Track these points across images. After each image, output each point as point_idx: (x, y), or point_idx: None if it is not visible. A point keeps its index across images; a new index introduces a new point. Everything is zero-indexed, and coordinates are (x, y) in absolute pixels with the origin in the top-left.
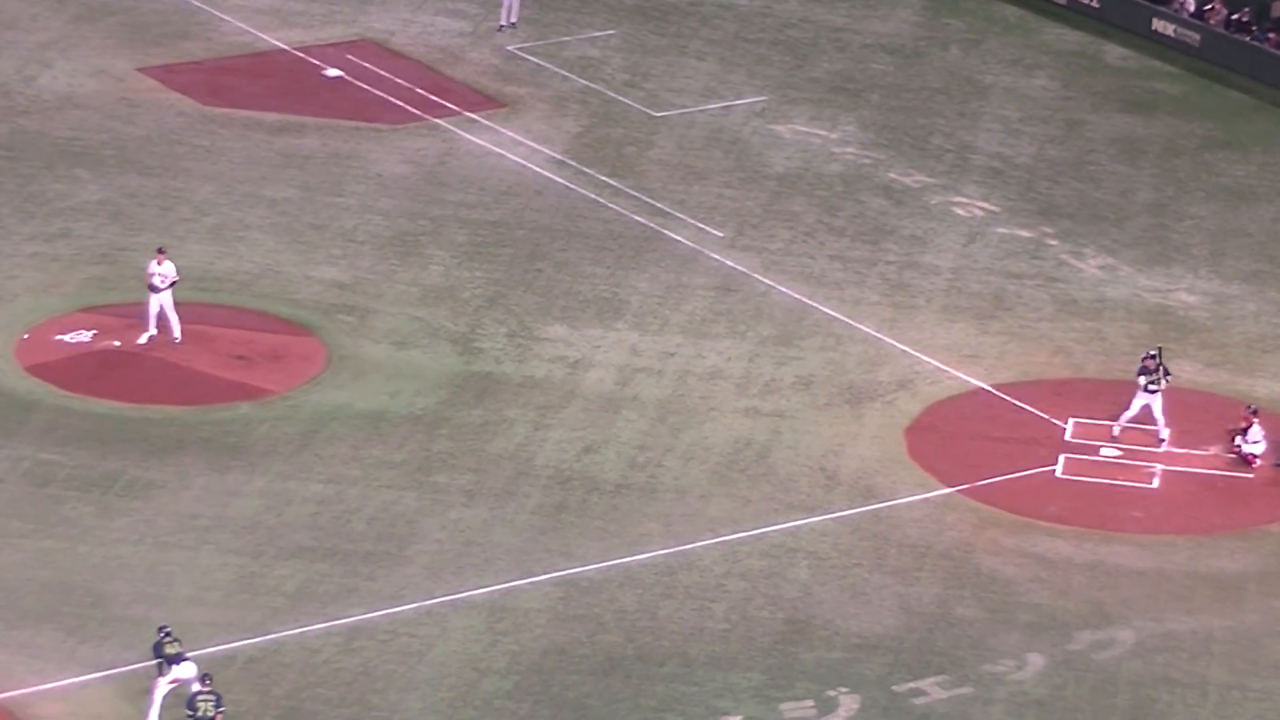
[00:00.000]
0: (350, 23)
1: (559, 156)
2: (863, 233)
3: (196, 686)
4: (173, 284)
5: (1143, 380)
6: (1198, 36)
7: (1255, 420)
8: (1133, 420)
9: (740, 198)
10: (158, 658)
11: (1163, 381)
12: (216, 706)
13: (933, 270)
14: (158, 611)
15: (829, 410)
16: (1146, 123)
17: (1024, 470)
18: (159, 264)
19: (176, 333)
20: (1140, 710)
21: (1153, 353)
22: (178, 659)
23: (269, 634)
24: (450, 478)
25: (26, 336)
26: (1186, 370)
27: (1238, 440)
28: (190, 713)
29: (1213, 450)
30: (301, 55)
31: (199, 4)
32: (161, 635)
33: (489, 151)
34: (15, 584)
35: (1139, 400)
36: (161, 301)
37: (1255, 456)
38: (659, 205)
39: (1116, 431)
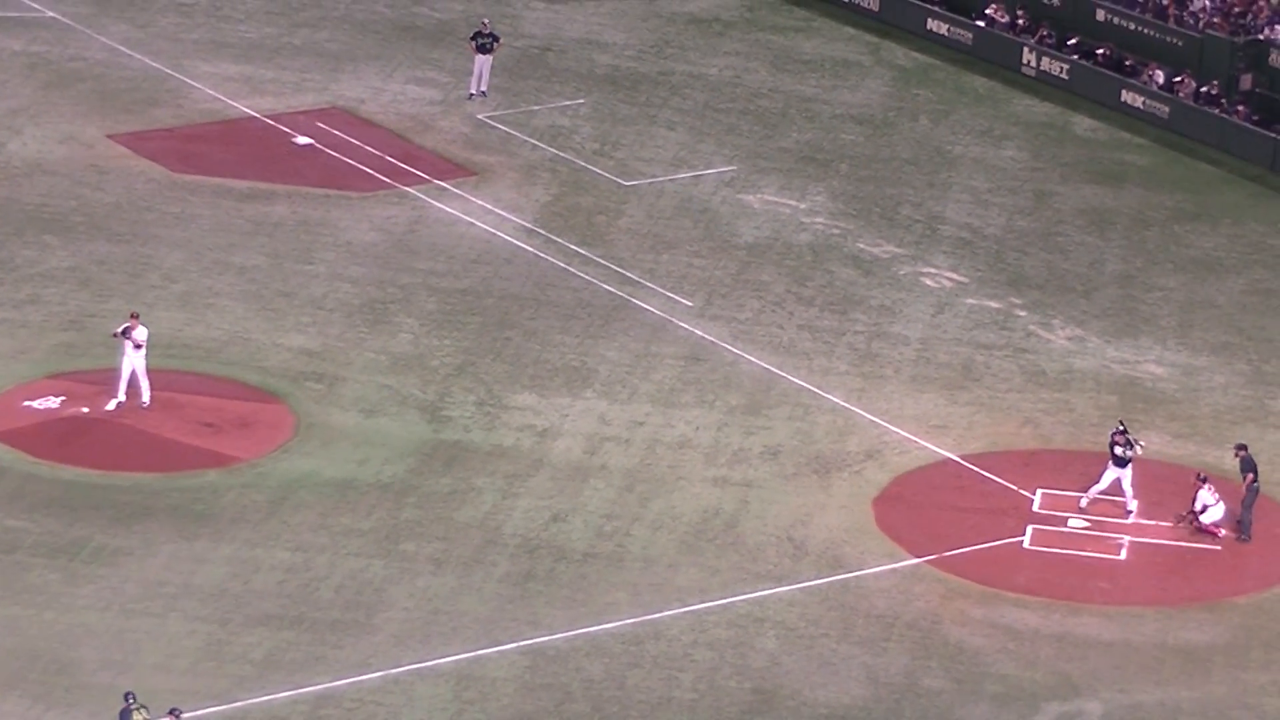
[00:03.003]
0: (321, 90)
1: (529, 225)
2: (832, 302)
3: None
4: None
5: (1116, 452)
6: (1167, 108)
7: (1203, 486)
8: (1102, 493)
9: (709, 267)
10: None
11: (1135, 449)
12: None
13: (901, 340)
14: (124, 679)
15: (797, 480)
16: (1115, 194)
17: (992, 541)
18: (134, 329)
19: (146, 396)
20: None
21: (1121, 428)
22: None
23: (235, 701)
24: (418, 546)
25: None
26: (1155, 442)
27: (1197, 507)
28: None
29: (1179, 521)
30: (272, 122)
31: (169, 71)
32: (128, 702)
33: (459, 219)
34: None
35: (1109, 474)
36: (134, 364)
37: (1216, 525)
38: (628, 274)
39: (1084, 503)
